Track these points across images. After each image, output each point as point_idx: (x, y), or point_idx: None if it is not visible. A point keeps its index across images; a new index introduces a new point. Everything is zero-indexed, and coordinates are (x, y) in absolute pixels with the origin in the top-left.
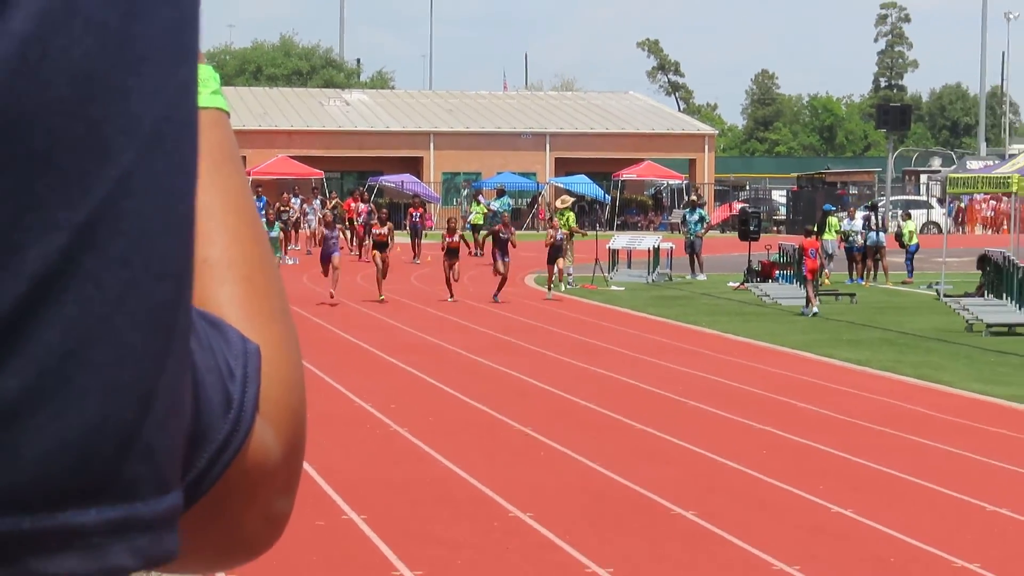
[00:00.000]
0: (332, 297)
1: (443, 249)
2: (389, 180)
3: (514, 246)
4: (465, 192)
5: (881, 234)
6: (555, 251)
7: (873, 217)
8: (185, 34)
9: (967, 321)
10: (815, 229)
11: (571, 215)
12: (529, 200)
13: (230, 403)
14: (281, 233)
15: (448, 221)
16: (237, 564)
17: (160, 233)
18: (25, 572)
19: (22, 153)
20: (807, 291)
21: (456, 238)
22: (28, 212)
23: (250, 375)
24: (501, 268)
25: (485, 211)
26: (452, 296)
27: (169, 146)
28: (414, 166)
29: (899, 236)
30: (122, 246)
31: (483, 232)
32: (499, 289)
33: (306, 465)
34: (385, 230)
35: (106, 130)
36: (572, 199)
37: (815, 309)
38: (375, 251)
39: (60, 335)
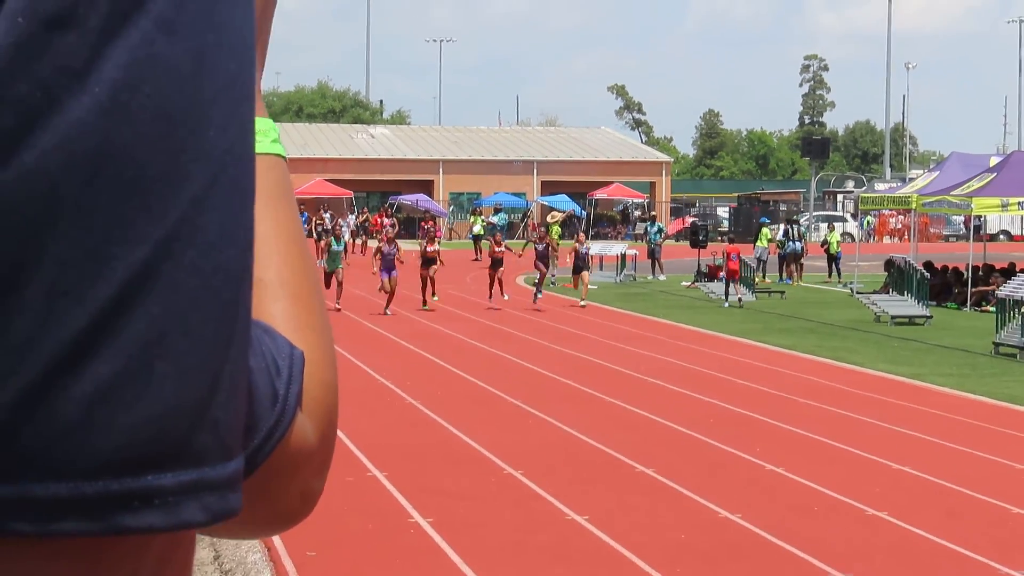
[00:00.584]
0: (386, 314)
1: (420, 257)
2: (406, 199)
3: (519, 256)
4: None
5: (799, 243)
6: (543, 257)
7: (791, 229)
8: (244, 83)
9: (876, 314)
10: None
11: (556, 228)
12: (520, 215)
13: (276, 397)
14: (325, 242)
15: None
16: (275, 533)
17: (225, 245)
18: (114, 527)
19: (114, 180)
20: (727, 288)
21: (433, 248)
22: (119, 228)
23: (295, 375)
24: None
25: (485, 223)
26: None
27: (232, 173)
28: (427, 187)
29: (825, 245)
30: (195, 256)
31: (484, 241)
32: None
33: (338, 431)
34: (436, 247)
35: (182, 160)
36: (562, 214)
37: (739, 297)
38: (423, 268)
39: (144, 329)
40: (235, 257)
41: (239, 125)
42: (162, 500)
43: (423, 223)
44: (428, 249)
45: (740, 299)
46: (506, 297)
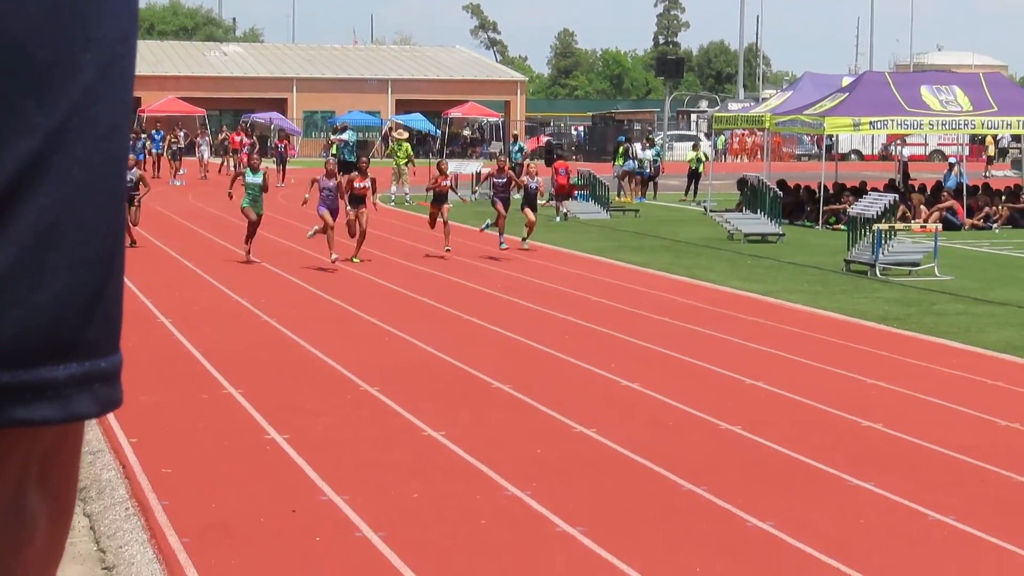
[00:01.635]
0: (334, 262)
1: (429, 190)
2: (260, 117)
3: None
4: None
5: (632, 161)
6: (503, 192)
7: (629, 148)
8: None
9: (728, 231)
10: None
11: (407, 146)
12: (376, 134)
13: None
14: (232, 174)
15: (439, 164)
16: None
17: (114, 136)
18: (7, 419)
19: (3, 69)
20: (556, 203)
21: (446, 182)
22: (8, 119)
23: None
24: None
25: (338, 142)
26: (448, 247)
27: (122, 65)
28: (280, 106)
29: (689, 162)
30: (86, 147)
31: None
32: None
33: (191, 347)
34: (367, 183)
35: (74, 49)
36: (407, 132)
37: (565, 212)
38: (351, 208)
39: (35, 222)
40: (120, 149)
41: (129, 15)
42: (55, 392)
43: (277, 142)
44: (357, 184)
45: (566, 214)
46: (448, 249)
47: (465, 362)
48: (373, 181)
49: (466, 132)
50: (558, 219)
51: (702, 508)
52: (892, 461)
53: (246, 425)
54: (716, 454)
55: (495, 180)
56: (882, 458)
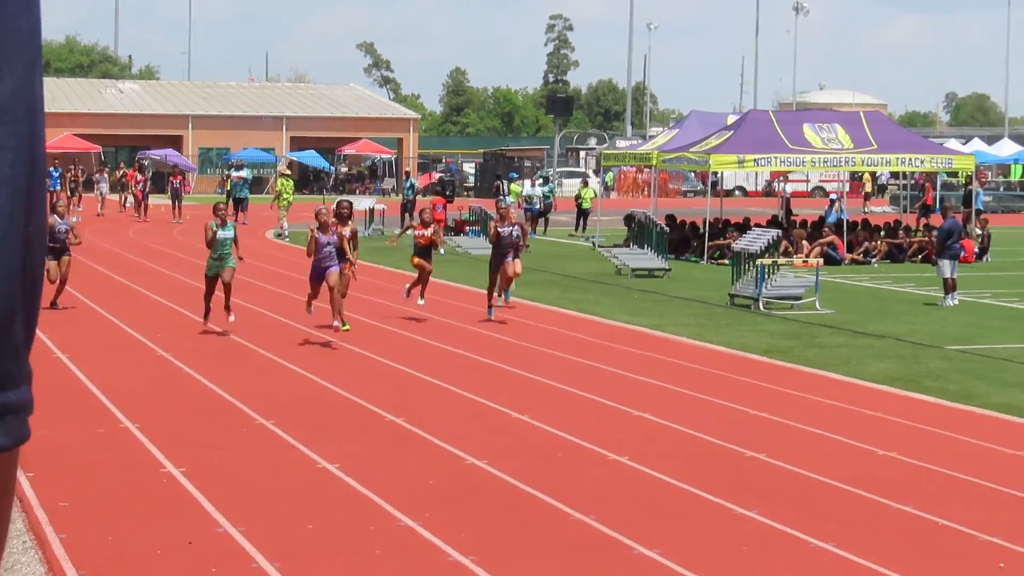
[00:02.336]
0: (336, 331)
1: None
2: (155, 154)
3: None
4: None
5: (507, 197)
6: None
7: (501, 185)
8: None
9: (616, 267)
10: (444, 191)
11: (285, 181)
12: (271, 170)
13: None
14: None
15: (421, 213)
16: None
17: (13, 179)
18: None
19: None
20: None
21: (429, 232)
22: None
23: None
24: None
25: (235, 180)
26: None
27: (34, 56)
28: (176, 142)
29: (577, 199)
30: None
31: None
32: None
33: (88, 382)
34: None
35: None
36: (286, 165)
37: (442, 251)
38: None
39: None
40: (27, 189)
41: (36, 4)
42: None
43: (171, 178)
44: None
45: (442, 251)
46: (422, 302)
47: (358, 395)
48: (354, 233)
49: (347, 168)
50: (443, 251)
51: (590, 537)
52: (775, 490)
53: (143, 458)
54: (604, 484)
55: (500, 229)
56: (765, 487)
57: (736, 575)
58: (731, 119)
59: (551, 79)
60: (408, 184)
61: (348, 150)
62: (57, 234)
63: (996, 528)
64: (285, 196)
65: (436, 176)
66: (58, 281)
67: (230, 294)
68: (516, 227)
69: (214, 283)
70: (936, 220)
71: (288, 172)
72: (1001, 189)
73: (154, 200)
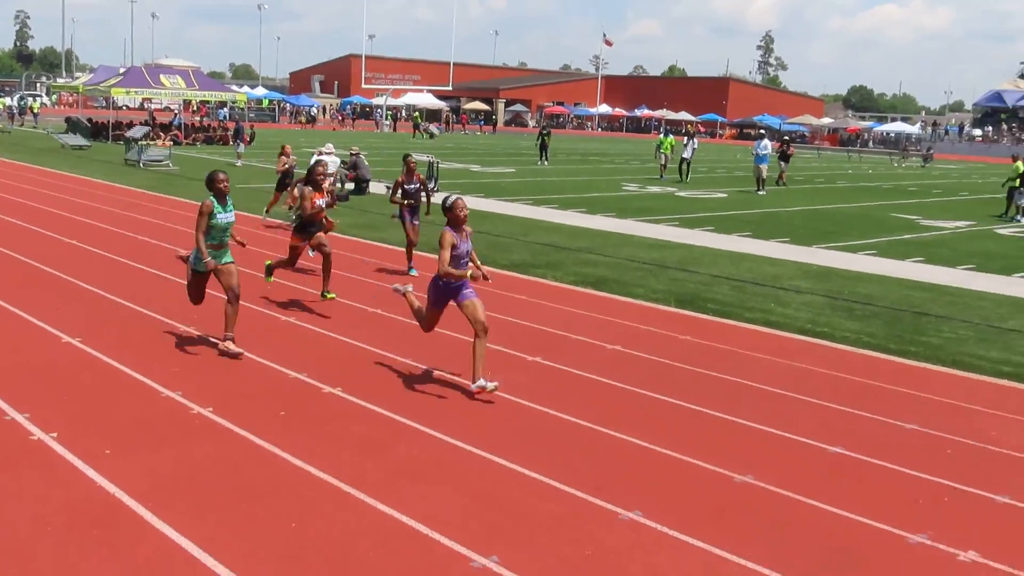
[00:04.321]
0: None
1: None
2: None
3: None
4: None
5: None
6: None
7: None
8: None
9: (62, 143)
10: None
11: None
12: None
13: None
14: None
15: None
16: None
17: None
18: None
19: None
20: None
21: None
22: None
23: None
24: None
25: None
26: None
27: None
28: None
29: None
30: None
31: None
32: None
33: None
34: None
35: None
36: None
37: None
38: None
39: None
40: None
41: None
42: None
43: None
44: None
45: None
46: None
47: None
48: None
49: None
50: None
51: None
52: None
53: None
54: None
55: (406, 187)
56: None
57: None
58: (121, 70)
59: (18, 44)
60: None
61: None
62: None
63: None
64: None
65: None
66: None
67: (236, 303)
68: None
69: (206, 281)
70: None
71: None
72: None
73: None
